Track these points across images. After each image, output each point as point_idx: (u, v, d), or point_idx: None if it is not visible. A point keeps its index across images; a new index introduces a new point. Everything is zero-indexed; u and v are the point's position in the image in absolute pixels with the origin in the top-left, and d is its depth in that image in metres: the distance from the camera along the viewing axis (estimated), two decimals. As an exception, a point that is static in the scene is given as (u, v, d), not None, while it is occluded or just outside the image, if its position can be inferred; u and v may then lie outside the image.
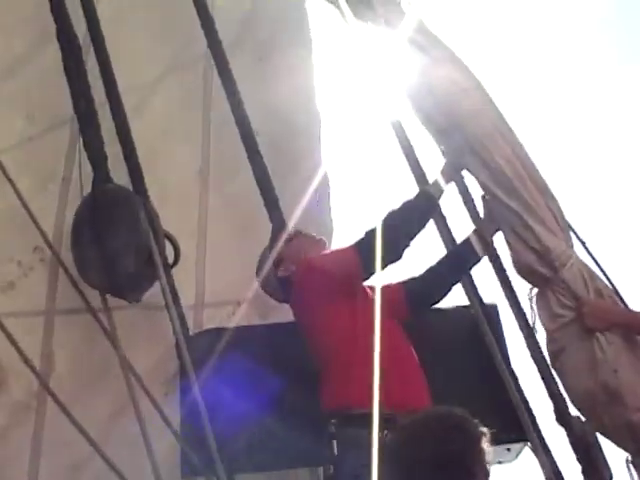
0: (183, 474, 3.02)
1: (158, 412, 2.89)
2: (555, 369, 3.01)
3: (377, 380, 2.42)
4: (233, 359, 2.99)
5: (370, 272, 2.92)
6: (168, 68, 3.94)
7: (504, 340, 3.34)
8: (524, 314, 3.17)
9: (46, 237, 2.89)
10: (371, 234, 2.88)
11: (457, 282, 3.18)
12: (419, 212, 3.03)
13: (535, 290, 3.07)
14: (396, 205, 3.00)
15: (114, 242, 2.82)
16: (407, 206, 2.99)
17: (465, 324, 3.35)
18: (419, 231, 3.01)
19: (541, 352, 3.11)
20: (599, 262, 3.08)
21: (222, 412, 2.80)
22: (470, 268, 3.18)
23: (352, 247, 2.96)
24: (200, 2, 3.64)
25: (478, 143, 3.11)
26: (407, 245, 2.95)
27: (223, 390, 2.90)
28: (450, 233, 3.26)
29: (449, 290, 3.17)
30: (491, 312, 3.34)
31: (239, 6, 4.26)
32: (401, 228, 2.93)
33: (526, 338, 3.17)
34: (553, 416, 3.06)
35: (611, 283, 3.01)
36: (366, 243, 2.88)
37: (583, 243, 3.13)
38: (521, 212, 3.00)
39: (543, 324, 3.04)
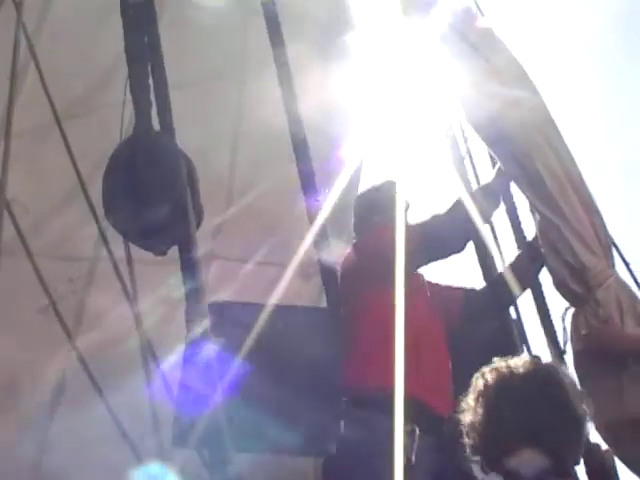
0: (174, 441, 2.90)
1: (162, 376, 2.77)
2: None
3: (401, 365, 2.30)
4: (236, 336, 2.89)
5: (428, 260, 2.92)
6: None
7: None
8: (555, 334, 3.06)
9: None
10: (438, 223, 2.86)
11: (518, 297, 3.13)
12: (469, 223, 2.97)
13: (570, 310, 2.95)
14: (455, 207, 2.97)
15: (151, 187, 2.70)
16: (462, 213, 2.93)
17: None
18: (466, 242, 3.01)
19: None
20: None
21: (224, 387, 2.68)
22: (534, 278, 3.12)
23: (417, 229, 2.89)
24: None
25: (523, 154, 3.02)
26: (459, 249, 2.98)
27: (226, 363, 2.80)
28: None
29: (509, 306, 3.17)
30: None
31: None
32: (459, 230, 2.93)
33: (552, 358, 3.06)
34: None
35: None
36: (432, 230, 2.85)
37: (627, 264, 3.02)
38: (560, 225, 2.90)
39: (572, 345, 2.94)
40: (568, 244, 2.89)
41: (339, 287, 2.91)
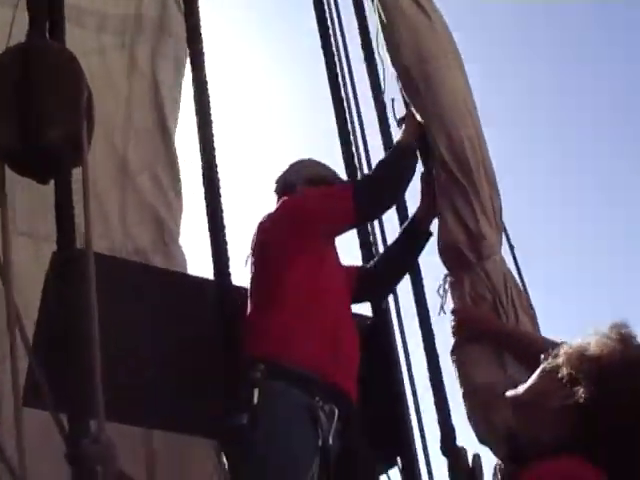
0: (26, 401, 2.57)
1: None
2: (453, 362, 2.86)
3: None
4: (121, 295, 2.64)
5: (363, 219, 2.86)
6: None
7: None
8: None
9: None
10: (368, 180, 2.80)
11: (410, 265, 3.01)
12: (409, 167, 2.91)
13: (449, 278, 2.92)
14: (386, 157, 2.90)
15: (47, 104, 2.38)
16: (397, 159, 2.89)
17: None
18: (406, 186, 2.92)
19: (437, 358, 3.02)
20: (521, 270, 2.98)
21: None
22: (422, 248, 3.04)
23: (348, 189, 2.81)
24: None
25: (448, 115, 2.96)
26: (396, 197, 2.93)
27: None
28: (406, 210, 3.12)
29: (402, 275, 3.07)
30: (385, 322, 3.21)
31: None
32: (393, 180, 2.85)
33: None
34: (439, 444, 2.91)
35: (526, 293, 2.89)
36: (363, 187, 2.77)
37: (512, 247, 3.04)
38: (469, 191, 2.87)
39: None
40: (472, 209, 2.85)
41: (259, 238, 2.78)
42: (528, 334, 2.65)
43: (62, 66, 2.42)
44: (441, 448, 2.88)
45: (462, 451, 2.81)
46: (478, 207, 2.87)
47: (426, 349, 3.06)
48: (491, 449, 2.62)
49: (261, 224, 2.80)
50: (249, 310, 2.63)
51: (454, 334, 2.80)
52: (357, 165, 3.35)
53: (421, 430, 3.11)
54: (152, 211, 3.85)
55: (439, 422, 2.94)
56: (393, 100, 3.17)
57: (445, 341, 2.96)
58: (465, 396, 2.69)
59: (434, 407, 2.96)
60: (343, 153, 3.33)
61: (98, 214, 3.54)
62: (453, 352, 2.80)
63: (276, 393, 2.36)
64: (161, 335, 2.70)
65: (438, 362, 3.02)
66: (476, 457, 2.76)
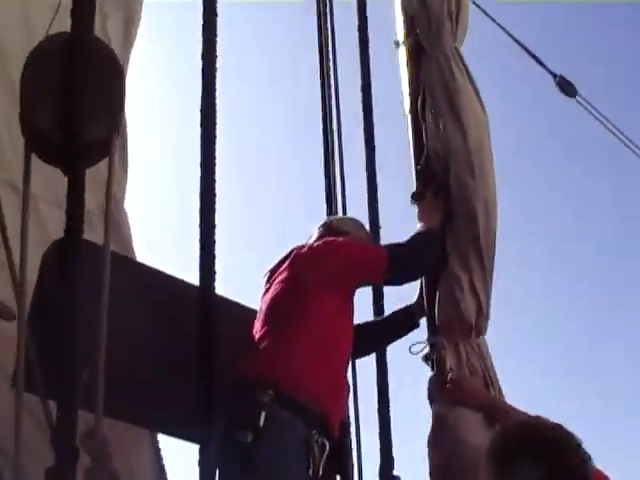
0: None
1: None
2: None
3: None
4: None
5: (387, 280, 3.04)
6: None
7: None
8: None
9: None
10: (403, 250, 2.95)
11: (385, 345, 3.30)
12: (434, 254, 3.07)
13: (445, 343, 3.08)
14: (420, 237, 3.04)
15: (93, 102, 2.40)
16: (428, 245, 3.04)
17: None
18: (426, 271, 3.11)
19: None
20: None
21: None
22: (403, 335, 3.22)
23: (383, 248, 3.01)
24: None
25: (491, 200, 3.16)
26: (417, 277, 3.11)
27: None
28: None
29: (374, 351, 3.29)
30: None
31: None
32: (421, 262, 3.04)
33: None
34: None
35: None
36: (397, 252, 2.94)
37: None
38: (487, 271, 3.09)
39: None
40: (486, 289, 3.09)
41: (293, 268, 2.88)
42: (518, 411, 2.84)
43: (109, 64, 2.44)
44: (380, 477, 3.08)
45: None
46: (490, 288, 3.10)
47: (378, 381, 3.25)
48: None
49: (301, 253, 2.90)
50: (262, 329, 2.73)
51: (448, 397, 2.93)
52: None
53: (359, 458, 3.26)
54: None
55: (381, 451, 3.12)
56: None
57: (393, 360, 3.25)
58: (453, 456, 2.82)
59: (378, 436, 3.14)
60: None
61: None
62: (439, 411, 2.93)
63: (282, 421, 2.51)
64: (143, 334, 2.75)
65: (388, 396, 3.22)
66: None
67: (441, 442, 2.85)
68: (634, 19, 8.03)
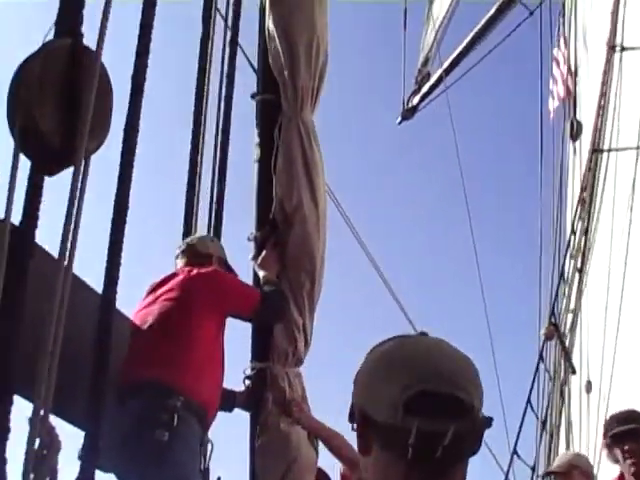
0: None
1: None
2: None
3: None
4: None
5: (256, 316, 3.47)
6: None
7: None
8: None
9: None
10: (272, 297, 3.44)
11: None
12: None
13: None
14: (276, 291, 3.51)
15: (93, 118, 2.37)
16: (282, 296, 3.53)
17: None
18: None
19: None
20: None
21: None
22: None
23: (257, 291, 3.48)
24: None
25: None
26: (277, 321, 3.56)
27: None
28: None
29: None
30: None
31: None
32: (282, 308, 3.53)
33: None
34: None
35: None
36: (268, 299, 3.42)
37: None
38: (314, 309, 3.66)
39: None
40: (308, 326, 3.65)
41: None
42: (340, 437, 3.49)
43: (105, 81, 2.50)
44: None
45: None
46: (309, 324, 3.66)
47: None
48: None
49: (191, 277, 3.31)
50: (161, 341, 3.15)
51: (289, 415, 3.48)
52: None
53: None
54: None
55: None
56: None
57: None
58: (292, 462, 3.43)
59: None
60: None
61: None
62: (280, 425, 3.48)
63: (189, 423, 3.02)
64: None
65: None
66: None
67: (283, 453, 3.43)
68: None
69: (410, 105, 10.03)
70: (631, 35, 7.63)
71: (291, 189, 3.63)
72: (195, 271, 3.33)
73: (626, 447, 3.69)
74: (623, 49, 7.63)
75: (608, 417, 3.97)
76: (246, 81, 4.07)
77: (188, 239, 3.70)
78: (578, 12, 8.41)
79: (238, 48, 4.18)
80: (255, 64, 3.96)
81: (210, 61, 4.17)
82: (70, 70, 2.35)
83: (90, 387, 2.63)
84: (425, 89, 9.93)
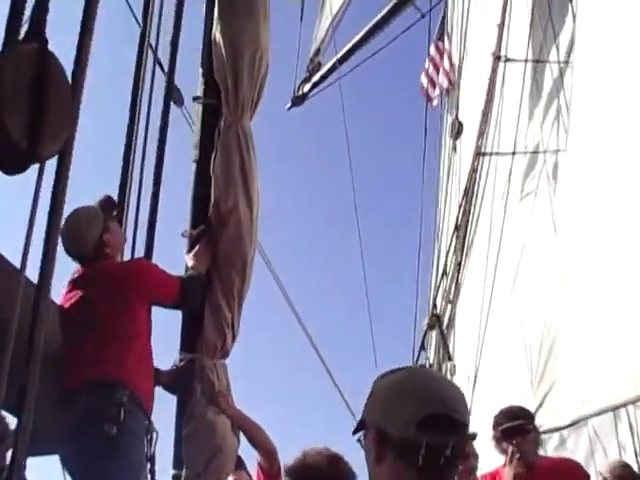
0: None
1: None
2: None
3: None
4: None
5: (176, 304, 3.59)
6: None
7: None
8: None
9: None
10: (191, 281, 3.60)
11: None
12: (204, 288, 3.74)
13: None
14: (196, 276, 3.68)
15: (55, 120, 2.45)
16: (200, 283, 3.70)
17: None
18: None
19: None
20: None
21: None
22: None
23: (177, 278, 3.60)
24: None
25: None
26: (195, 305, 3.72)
27: None
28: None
29: None
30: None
31: None
32: (198, 293, 3.71)
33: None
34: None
35: None
36: (187, 284, 3.58)
37: None
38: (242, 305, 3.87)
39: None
40: (236, 320, 3.86)
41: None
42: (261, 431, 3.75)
43: (67, 82, 2.63)
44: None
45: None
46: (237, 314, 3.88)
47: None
48: None
49: (115, 271, 3.47)
50: (98, 337, 3.30)
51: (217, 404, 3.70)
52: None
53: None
54: None
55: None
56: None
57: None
58: (218, 449, 3.66)
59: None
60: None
61: None
62: (207, 415, 3.69)
63: (135, 415, 3.22)
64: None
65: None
66: None
67: (209, 441, 3.63)
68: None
69: (300, 92, 10.41)
70: (515, 47, 8.21)
71: (228, 191, 3.82)
72: (121, 266, 3.55)
73: (514, 441, 4.18)
74: (507, 60, 8.18)
75: (497, 412, 4.42)
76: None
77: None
78: (464, 16, 8.92)
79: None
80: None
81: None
82: (38, 75, 2.48)
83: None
84: (316, 78, 10.34)
